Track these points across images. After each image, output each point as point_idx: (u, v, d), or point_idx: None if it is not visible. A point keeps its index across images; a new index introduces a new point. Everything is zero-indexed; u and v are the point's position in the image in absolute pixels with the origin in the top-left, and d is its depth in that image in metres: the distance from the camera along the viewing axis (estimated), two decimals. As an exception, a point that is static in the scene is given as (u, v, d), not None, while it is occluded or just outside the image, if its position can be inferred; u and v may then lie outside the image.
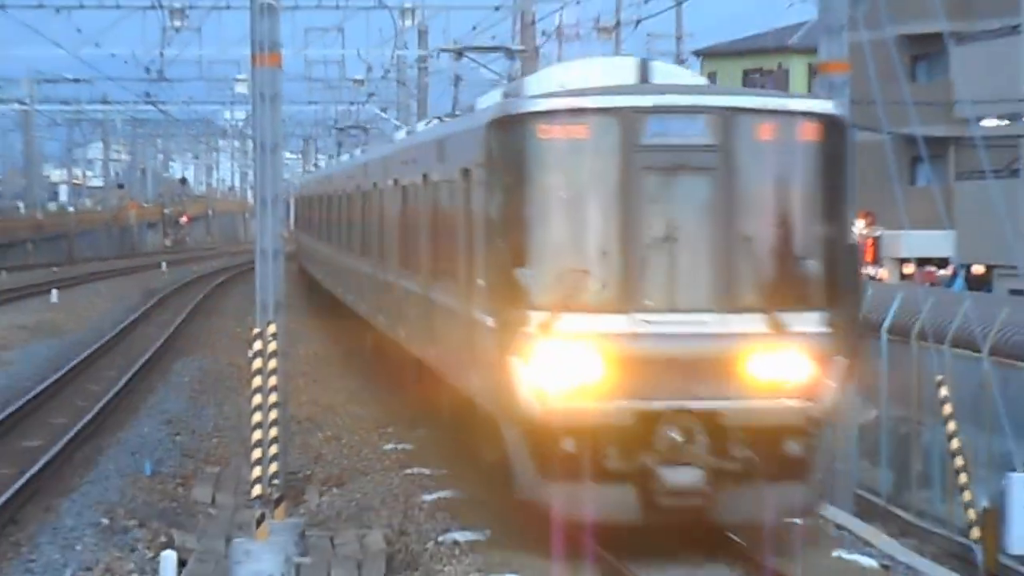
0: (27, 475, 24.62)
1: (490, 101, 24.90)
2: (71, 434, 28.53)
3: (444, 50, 58.28)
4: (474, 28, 54.90)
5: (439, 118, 34.16)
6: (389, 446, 28.03)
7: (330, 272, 48.77)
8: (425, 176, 24.94)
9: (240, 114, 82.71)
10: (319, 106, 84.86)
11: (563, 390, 18.60)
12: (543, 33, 48.58)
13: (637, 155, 18.20)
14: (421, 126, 35.50)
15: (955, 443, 21.42)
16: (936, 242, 54.93)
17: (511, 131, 19.53)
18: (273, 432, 21.99)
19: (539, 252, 19.32)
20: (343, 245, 42.40)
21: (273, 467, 22.01)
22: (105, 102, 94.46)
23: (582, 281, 19.22)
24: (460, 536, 20.48)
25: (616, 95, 18.86)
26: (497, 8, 52.03)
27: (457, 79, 46.82)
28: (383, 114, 67.59)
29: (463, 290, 22.17)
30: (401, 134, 39.59)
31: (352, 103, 77.51)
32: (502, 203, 19.80)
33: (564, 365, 18.81)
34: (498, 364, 19.68)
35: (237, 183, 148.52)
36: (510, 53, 45.48)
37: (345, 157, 61.18)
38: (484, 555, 19.39)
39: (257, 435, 21.85)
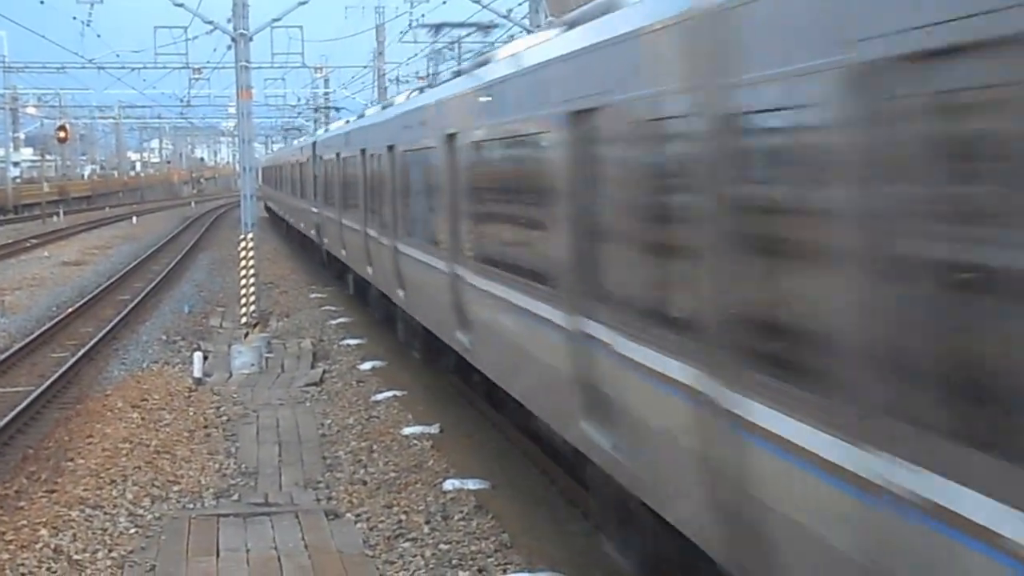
0: (122, 314, 25.48)
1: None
2: (145, 292, 29.52)
3: (316, 108, 65.67)
4: (352, 78, 58.86)
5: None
6: (313, 295, 29.00)
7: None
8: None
9: (231, 123, 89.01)
10: (272, 119, 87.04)
11: None
12: (389, 80, 49.11)
13: None
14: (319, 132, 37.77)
15: None
16: None
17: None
18: (251, 289, 22.51)
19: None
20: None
21: (252, 308, 22.55)
22: (159, 117, 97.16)
23: None
24: (351, 341, 21.40)
25: None
26: (364, 67, 53.89)
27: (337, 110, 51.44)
28: (307, 123, 70.83)
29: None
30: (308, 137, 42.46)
31: (290, 118, 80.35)
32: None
33: None
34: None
35: (231, 159, 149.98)
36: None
37: (284, 146, 64.54)
38: (363, 351, 20.35)
39: (243, 291, 22.57)
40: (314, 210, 31.41)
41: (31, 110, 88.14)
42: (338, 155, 24.02)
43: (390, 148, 17.65)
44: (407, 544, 10.25)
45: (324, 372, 18.81)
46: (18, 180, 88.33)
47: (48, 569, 9.83)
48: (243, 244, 22.75)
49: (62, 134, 73.03)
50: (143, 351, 21.51)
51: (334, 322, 24.27)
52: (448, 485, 11.79)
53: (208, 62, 50.76)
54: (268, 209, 65.25)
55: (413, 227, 15.84)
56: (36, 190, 78.42)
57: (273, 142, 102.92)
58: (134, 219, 68.86)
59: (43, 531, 10.69)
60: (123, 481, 12.40)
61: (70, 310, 26.49)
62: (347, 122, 28.78)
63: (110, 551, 10.31)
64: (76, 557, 10.15)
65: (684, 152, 6.13)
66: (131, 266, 37.39)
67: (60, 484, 12.41)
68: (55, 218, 68.52)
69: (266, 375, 18.87)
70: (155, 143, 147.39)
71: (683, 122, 6.09)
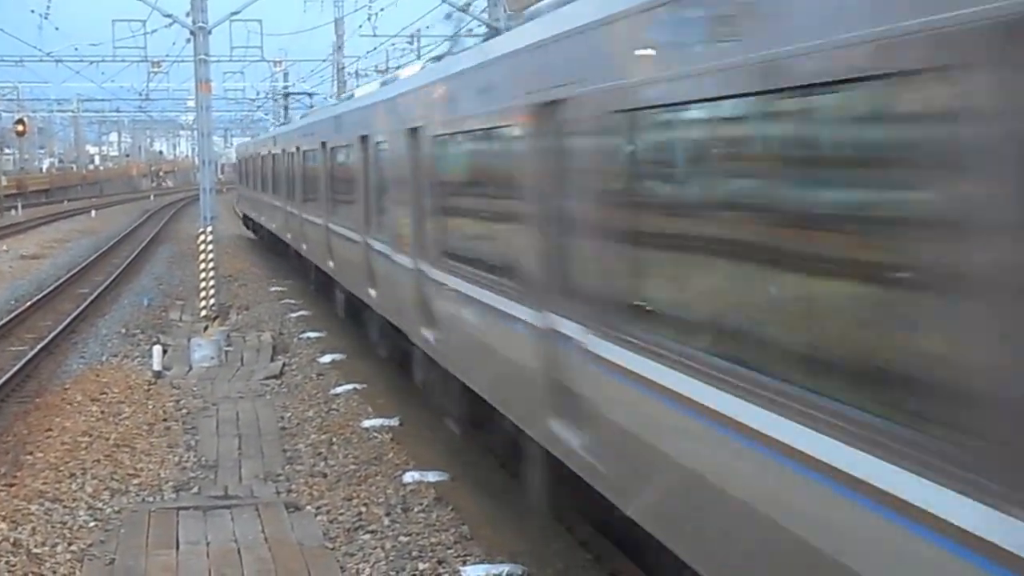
0: (81, 307, 25.29)
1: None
2: (104, 285, 29.27)
3: (279, 93, 65.58)
4: (312, 71, 57.12)
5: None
6: (273, 289, 28.88)
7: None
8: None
9: (190, 116, 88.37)
10: (231, 112, 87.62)
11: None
12: (348, 74, 49.59)
13: None
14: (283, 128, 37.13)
15: None
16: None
17: None
18: (210, 282, 22.57)
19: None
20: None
21: (211, 301, 22.61)
22: (118, 111, 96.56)
23: None
24: (311, 334, 21.32)
25: None
26: (323, 60, 53.84)
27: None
28: (266, 117, 71.53)
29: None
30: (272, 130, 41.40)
31: (250, 111, 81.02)
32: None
33: None
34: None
35: (190, 152, 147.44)
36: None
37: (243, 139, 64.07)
38: (323, 344, 20.25)
39: (202, 284, 22.63)
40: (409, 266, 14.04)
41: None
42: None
43: None
44: (367, 536, 10.22)
45: (284, 365, 18.73)
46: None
47: (7, 563, 9.74)
48: (202, 237, 22.63)
49: (20, 127, 72.51)
50: (102, 345, 21.35)
51: (294, 315, 24.19)
52: (408, 477, 11.76)
53: (167, 56, 50.53)
54: (248, 221, 47.12)
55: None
56: (-6, 183, 77.67)
57: (232, 135, 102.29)
58: (93, 213, 68.39)
59: (2, 525, 10.60)
60: (82, 475, 12.30)
61: (28, 304, 26.21)
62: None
63: (69, 544, 10.24)
64: (35, 551, 10.06)
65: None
66: (90, 259, 37.09)
67: (19, 478, 12.29)
68: (13, 212, 67.92)
69: (226, 368, 18.75)
70: (114, 137, 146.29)
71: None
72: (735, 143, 5.31)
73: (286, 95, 43.98)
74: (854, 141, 4.38)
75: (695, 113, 5.61)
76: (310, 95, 44.43)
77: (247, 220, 46.25)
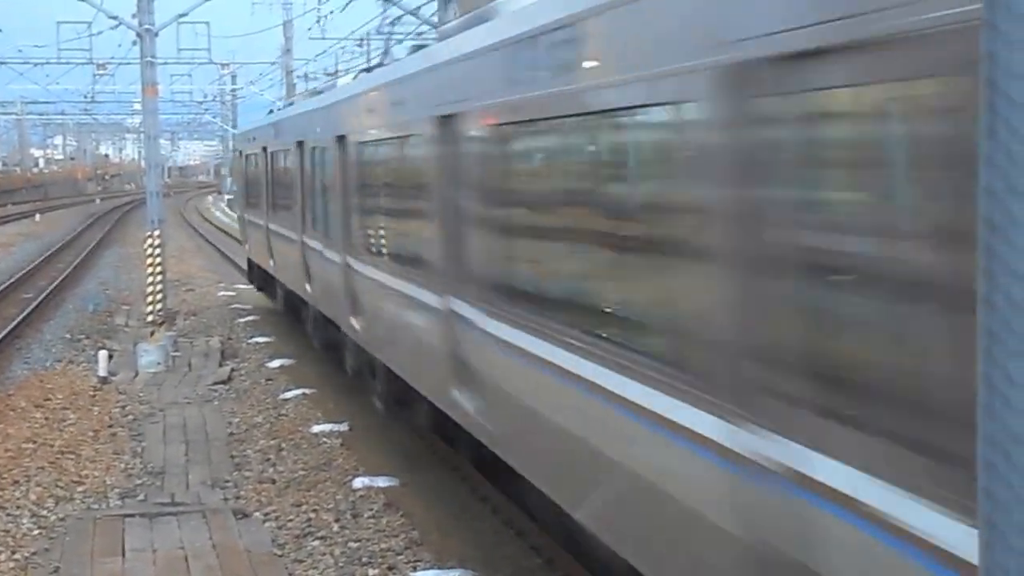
0: (25, 312, 24.95)
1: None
2: (48, 290, 29.00)
3: (220, 99, 65.97)
4: (260, 75, 57.26)
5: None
6: (222, 294, 28.91)
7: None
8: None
9: (137, 119, 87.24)
10: (179, 115, 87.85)
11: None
12: (297, 76, 49.28)
13: None
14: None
15: None
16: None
17: None
18: (158, 287, 22.18)
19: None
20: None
21: (158, 306, 22.09)
22: (63, 113, 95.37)
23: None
24: (259, 339, 21.38)
25: None
26: (272, 63, 53.88)
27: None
28: (215, 120, 71.74)
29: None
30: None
31: (198, 113, 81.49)
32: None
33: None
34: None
35: (137, 156, 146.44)
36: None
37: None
38: (272, 349, 20.30)
39: (149, 288, 22.24)
40: None
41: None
42: None
43: None
44: (316, 543, 10.18)
45: (232, 370, 18.66)
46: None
47: (-52, 572, 9.60)
48: (149, 241, 22.47)
49: (-37, 130, 71.68)
50: (47, 350, 21.16)
51: (242, 320, 24.13)
52: (357, 483, 11.73)
53: (112, 58, 50.11)
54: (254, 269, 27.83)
55: None
56: (-64, 187, 76.75)
57: (179, 138, 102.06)
58: (37, 216, 67.65)
59: (-57, 534, 10.45)
60: (26, 482, 12.18)
61: (-29, 309, 25.82)
62: None
63: (13, 553, 10.13)
64: (-23, 560, 9.93)
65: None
66: (34, 264, 36.65)
67: (-39, 486, 12.15)
68: (-44, 215, 66.99)
69: (173, 374, 18.65)
70: (58, 140, 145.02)
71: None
72: None
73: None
74: None
75: None
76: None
77: (252, 268, 27.22)
